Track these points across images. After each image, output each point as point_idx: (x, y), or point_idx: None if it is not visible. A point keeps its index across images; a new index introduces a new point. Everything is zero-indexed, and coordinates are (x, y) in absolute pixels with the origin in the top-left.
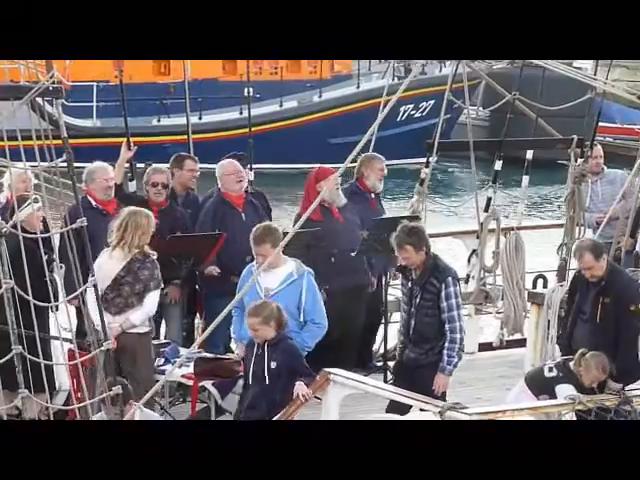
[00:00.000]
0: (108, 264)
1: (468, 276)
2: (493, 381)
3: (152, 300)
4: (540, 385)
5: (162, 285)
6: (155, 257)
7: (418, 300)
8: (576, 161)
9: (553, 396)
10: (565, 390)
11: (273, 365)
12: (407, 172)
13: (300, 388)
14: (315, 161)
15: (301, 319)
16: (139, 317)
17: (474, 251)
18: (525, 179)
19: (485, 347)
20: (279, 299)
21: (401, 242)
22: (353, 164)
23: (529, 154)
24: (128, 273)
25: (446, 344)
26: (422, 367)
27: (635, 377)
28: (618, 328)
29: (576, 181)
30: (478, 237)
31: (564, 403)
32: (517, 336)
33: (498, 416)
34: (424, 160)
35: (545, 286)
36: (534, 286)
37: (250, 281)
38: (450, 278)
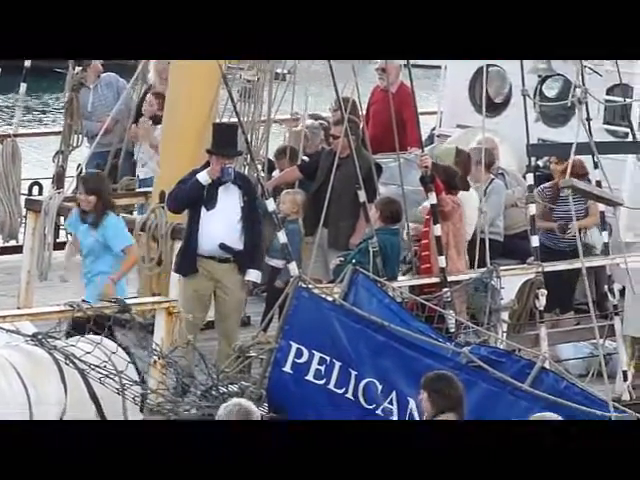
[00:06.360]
0: None
1: None
2: None
3: None
4: None
5: None
6: None
7: None
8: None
9: None
10: None
11: None
12: None
13: None
14: None
15: None
16: None
17: None
18: (23, 86)
19: None
20: None
21: None
22: None
23: (27, 63)
24: None
25: None
26: None
27: None
28: None
29: (74, 89)
30: None
31: (63, 310)
32: (12, 243)
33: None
34: None
35: (41, 193)
36: (29, 193)
37: None
38: None
